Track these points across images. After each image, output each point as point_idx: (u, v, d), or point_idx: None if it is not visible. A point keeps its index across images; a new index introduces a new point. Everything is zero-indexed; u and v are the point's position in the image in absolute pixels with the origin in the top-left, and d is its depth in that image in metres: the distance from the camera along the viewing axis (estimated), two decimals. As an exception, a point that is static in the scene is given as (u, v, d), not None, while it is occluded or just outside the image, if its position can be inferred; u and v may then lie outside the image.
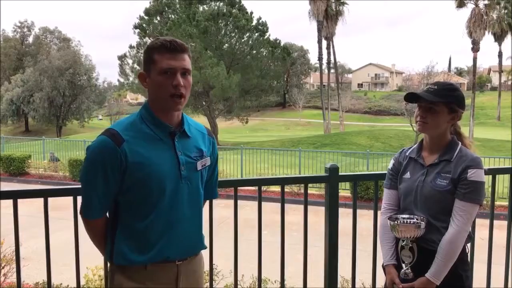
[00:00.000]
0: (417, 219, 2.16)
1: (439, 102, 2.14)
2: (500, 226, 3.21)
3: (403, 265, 2.18)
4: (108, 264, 1.95)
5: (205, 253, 2.71)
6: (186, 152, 1.85)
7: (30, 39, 60.50)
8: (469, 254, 2.29)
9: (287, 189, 11.61)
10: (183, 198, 1.84)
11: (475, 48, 37.14)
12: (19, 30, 60.02)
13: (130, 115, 1.87)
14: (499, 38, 47.00)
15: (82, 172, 1.80)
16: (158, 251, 1.81)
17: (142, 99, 48.46)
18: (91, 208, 1.81)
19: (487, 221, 3.00)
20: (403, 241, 2.17)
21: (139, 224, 1.79)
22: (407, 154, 2.33)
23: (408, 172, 2.27)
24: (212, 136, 2.04)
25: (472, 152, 2.17)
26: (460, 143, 2.21)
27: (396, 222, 2.17)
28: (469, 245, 2.25)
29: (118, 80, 39.60)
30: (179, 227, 1.85)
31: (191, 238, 1.92)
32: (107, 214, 1.87)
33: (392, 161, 2.39)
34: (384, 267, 2.30)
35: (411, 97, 2.21)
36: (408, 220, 2.17)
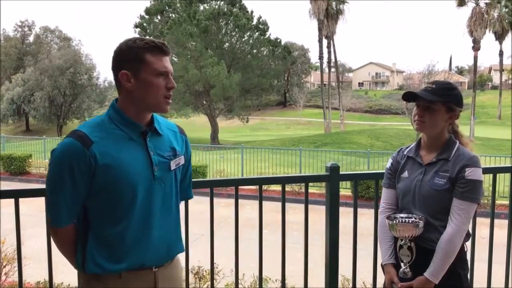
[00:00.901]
0: (415, 218, 2.16)
1: (437, 101, 2.14)
2: (501, 225, 3.22)
3: (402, 264, 2.19)
4: (78, 274, 1.84)
5: (206, 252, 2.73)
6: (159, 152, 1.78)
7: (31, 39, 60.46)
8: (468, 253, 2.29)
9: (287, 188, 11.58)
10: (157, 200, 1.77)
11: (476, 47, 37.11)
12: (19, 29, 60.01)
13: (96, 117, 1.79)
14: (500, 37, 46.87)
15: (48, 178, 1.70)
16: (132, 258, 1.74)
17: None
18: (60, 215, 1.72)
19: (487, 220, 3.01)
20: (401, 240, 2.18)
21: (111, 230, 1.71)
22: (405, 153, 2.33)
23: (406, 171, 2.27)
24: (185, 134, 1.98)
25: (469, 151, 2.18)
26: (457, 142, 2.21)
27: (394, 221, 2.18)
28: (467, 244, 2.25)
29: (119, 80, 39.55)
30: (154, 232, 1.77)
31: (167, 242, 1.84)
32: (75, 221, 1.77)
33: (390, 160, 2.40)
34: (383, 266, 2.31)
35: (409, 96, 2.22)
36: (407, 219, 2.17)
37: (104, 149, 1.66)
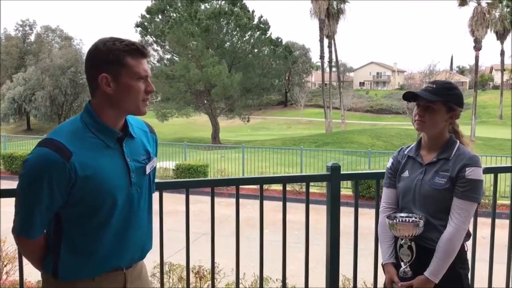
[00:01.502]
0: (415, 218, 2.16)
1: (437, 101, 2.14)
2: (502, 225, 3.21)
3: (402, 263, 2.19)
4: (44, 277, 1.81)
5: (207, 252, 2.73)
6: (135, 157, 1.76)
7: (32, 38, 60.53)
8: (468, 253, 2.29)
9: (288, 187, 11.61)
10: (133, 205, 1.75)
11: (477, 46, 37.07)
12: (21, 28, 60.10)
13: (70, 121, 1.72)
14: (501, 36, 46.82)
15: (22, 189, 1.63)
16: (109, 263, 1.73)
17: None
18: (33, 226, 1.65)
19: (488, 220, 3.00)
20: (401, 239, 2.18)
21: (88, 239, 1.68)
22: (405, 152, 2.33)
23: (407, 171, 2.27)
24: (154, 133, 1.95)
25: (470, 151, 2.18)
26: (458, 141, 2.21)
27: (394, 220, 2.18)
28: (467, 243, 2.25)
29: (120, 79, 39.56)
30: (130, 236, 1.76)
31: (141, 244, 1.84)
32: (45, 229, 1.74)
33: (391, 160, 2.40)
34: (383, 266, 2.31)
35: (409, 96, 2.22)
36: (407, 219, 2.18)
37: (83, 159, 1.60)
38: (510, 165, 9.78)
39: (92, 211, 1.66)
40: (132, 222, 1.76)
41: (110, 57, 1.63)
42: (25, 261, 2.50)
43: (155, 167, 1.92)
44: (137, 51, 1.67)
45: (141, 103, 1.70)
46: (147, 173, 1.81)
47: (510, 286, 3.07)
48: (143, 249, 1.87)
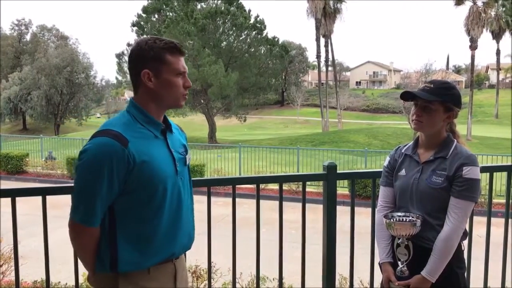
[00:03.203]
0: (412, 217, 2.16)
1: (435, 101, 2.14)
2: (498, 224, 3.22)
3: (399, 262, 2.19)
4: (97, 274, 1.82)
5: (203, 251, 2.73)
6: (176, 149, 1.88)
7: (28, 37, 60.35)
8: (465, 252, 2.30)
9: (285, 187, 11.62)
10: (179, 193, 1.86)
11: (473, 46, 37.17)
12: (16, 28, 59.91)
13: (119, 116, 1.82)
14: (497, 36, 46.99)
15: (83, 177, 1.69)
16: (164, 252, 1.82)
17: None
18: (95, 215, 1.71)
19: (484, 219, 3.02)
20: (398, 239, 2.18)
21: (143, 227, 1.76)
22: (402, 151, 2.33)
23: (404, 169, 2.27)
24: (184, 132, 2.08)
25: (467, 150, 2.18)
26: (455, 140, 2.22)
27: (391, 220, 2.18)
28: (464, 242, 2.26)
29: (116, 78, 39.56)
30: (181, 224, 1.86)
31: (189, 232, 1.94)
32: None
33: (387, 159, 2.40)
34: (380, 265, 2.31)
35: (407, 96, 2.22)
36: (404, 218, 2.18)
37: (138, 147, 1.71)
38: (505, 164, 9.83)
39: (147, 198, 1.74)
40: (180, 210, 1.86)
41: (151, 54, 1.76)
42: (21, 261, 2.50)
43: (189, 163, 2.04)
44: (176, 48, 1.80)
45: (181, 97, 1.84)
46: (187, 163, 1.95)
47: (506, 284, 3.09)
48: (190, 237, 1.96)
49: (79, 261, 2.48)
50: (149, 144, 1.76)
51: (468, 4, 37.11)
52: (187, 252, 2.65)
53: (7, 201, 2.39)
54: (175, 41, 1.82)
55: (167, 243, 1.82)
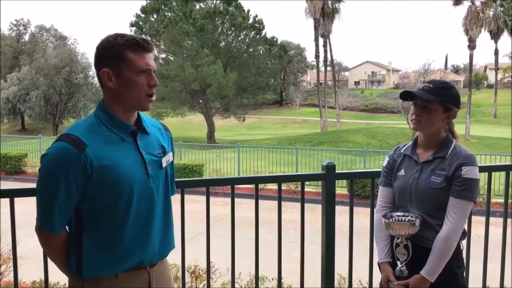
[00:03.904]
0: (411, 217, 2.16)
1: (434, 101, 2.14)
2: (496, 223, 3.23)
3: (398, 262, 2.19)
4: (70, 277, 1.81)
5: (203, 252, 2.73)
6: (150, 150, 1.78)
7: (26, 37, 60.25)
8: (464, 251, 2.30)
9: (284, 187, 11.61)
10: (153, 198, 1.77)
11: (471, 45, 37.20)
12: (15, 28, 59.81)
13: (85, 118, 1.77)
14: (495, 36, 47.04)
15: (41, 183, 1.66)
16: (132, 258, 1.74)
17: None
18: (53, 221, 1.67)
19: (483, 218, 3.02)
20: (398, 238, 2.18)
21: (109, 233, 1.70)
22: (401, 151, 2.34)
23: (403, 170, 2.28)
24: (169, 131, 1.98)
25: (466, 150, 2.18)
26: (454, 140, 2.22)
27: (391, 220, 2.18)
28: (463, 242, 2.26)
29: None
30: (151, 230, 1.78)
31: (162, 239, 1.85)
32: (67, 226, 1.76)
33: (387, 159, 2.40)
34: (379, 265, 2.31)
35: (406, 95, 2.22)
36: (403, 218, 2.18)
37: (98, 152, 1.64)
38: (504, 163, 9.84)
39: (111, 203, 1.68)
40: (152, 215, 1.78)
41: (111, 52, 1.67)
42: (19, 262, 2.49)
43: (173, 165, 1.94)
44: (138, 44, 1.69)
45: (144, 98, 1.72)
46: (163, 166, 1.83)
47: (505, 284, 3.09)
48: (166, 244, 1.88)
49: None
50: (112, 148, 1.68)
51: (466, 4, 37.17)
52: (187, 252, 2.67)
53: (5, 201, 2.39)
54: (139, 37, 1.71)
55: (135, 250, 1.74)
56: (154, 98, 1.77)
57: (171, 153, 1.90)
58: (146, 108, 1.75)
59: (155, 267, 1.84)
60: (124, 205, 1.69)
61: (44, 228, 1.71)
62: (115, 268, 1.72)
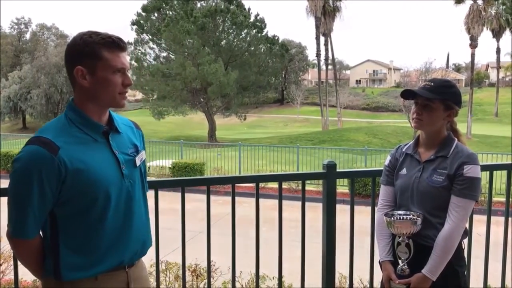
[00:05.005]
0: (413, 216, 2.16)
1: (435, 99, 2.14)
2: (498, 222, 3.22)
3: (400, 261, 2.19)
4: (45, 281, 1.77)
5: (204, 250, 2.72)
6: (122, 150, 1.76)
7: (27, 36, 60.35)
8: (465, 250, 2.30)
9: (285, 185, 11.61)
10: (128, 198, 1.75)
11: (473, 44, 37.15)
12: (16, 26, 59.89)
13: (55, 119, 1.72)
14: (497, 34, 46.97)
15: (13, 188, 1.62)
16: (111, 259, 1.72)
17: (139, 95, 48.30)
18: (26, 226, 1.62)
19: (484, 217, 3.01)
20: (399, 237, 2.18)
21: (87, 235, 1.67)
22: (403, 150, 2.33)
23: (405, 168, 2.27)
24: (140, 129, 1.96)
25: (468, 148, 2.18)
26: (456, 139, 2.22)
27: (392, 218, 2.17)
28: (465, 241, 2.26)
29: (116, 77, 39.41)
30: (129, 230, 1.76)
31: (141, 238, 1.84)
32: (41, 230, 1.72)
33: (388, 157, 2.40)
34: (380, 263, 2.31)
35: (407, 94, 2.21)
36: (404, 217, 2.18)
37: (71, 153, 1.60)
38: (505, 162, 9.82)
39: (87, 206, 1.65)
40: (130, 215, 1.76)
41: (86, 50, 1.63)
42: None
43: (145, 163, 1.93)
44: (114, 43, 1.66)
45: (118, 96, 1.70)
46: (137, 165, 1.82)
47: (506, 283, 3.08)
48: (144, 243, 1.86)
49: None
50: (85, 149, 1.65)
51: (468, 3, 37.14)
52: (188, 250, 2.67)
53: (5, 200, 2.38)
54: (114, 35, 1.68)
55: (114, 251, 1.72)
56: (127, 96, 1.75)
57: (143, 152, 1.89)
58: (121, 105, 1.72)
59: (133, 267, 1.83)
60: (100, 207, 1.67)
61: (17, 235, 1.66)
62: (94, 269, 1.70)
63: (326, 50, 45.48)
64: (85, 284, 1.70)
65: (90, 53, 1.63)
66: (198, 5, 35.99)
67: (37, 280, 4.87)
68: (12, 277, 2.63)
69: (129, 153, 1.79)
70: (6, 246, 4.50)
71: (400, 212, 2.21)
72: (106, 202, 1.67)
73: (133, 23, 36.92)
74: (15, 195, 1.63)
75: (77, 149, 1.63)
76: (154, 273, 2.74)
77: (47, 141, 1.58)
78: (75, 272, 1.67)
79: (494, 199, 3.28)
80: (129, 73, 1.78)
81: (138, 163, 1.82)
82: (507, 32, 46.63)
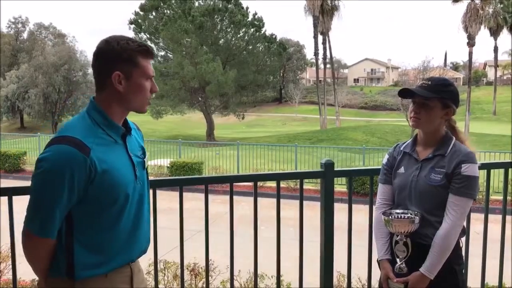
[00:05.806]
0: (411, 214, 2.16)
1: (433, 98, 2.14)
2: (495, 220, 3.23)
3: (398, 259, 2.20)
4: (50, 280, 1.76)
5: (202, 249, 2.73)
6: (134, 152, 1.82)
7: (25, 35, 60.15)
8: (463, 248, 2.30)
9: (283, 184, 11.61)
10: (140, 199, 1.81)
11: (471, 42, 37.20)
12: (13, 26, 59.68)
13: (78, 118, 1.74)
14: (494, 32, 47.04)
15: (41, 187, 1.61)
16: (123, 257, 1.78)
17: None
18: (53, 226, 1.64)
19: (482, 216, 3.02)
20: (397, 236, 2.18)
21: (102, 234, 1.70)
22: (401, 149, 2.33)
23: (403, 167, 2.27)
24: (140, 130, 2.01)
25: (466, 147, 2.18)
26: (454, 138, 2.22)
27: (390, 217, 2.18)
28: (463, 239, 2.26)
29: (114, 76, 39.35)
30: (139, 229, 1.82)
31: (147, 236, 1.92)
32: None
33: (386, 156, 2.40)
34: (378, 262, 2.31)
35: (405, 93, 2.22)
36: (402, 215, 2.18)
37: (99, 155, 1.64)
38: (503, 161, 9.84)
39: (107, 206, 1.69)
40: (140, 215, 1.82)
41: (124, 55, 1.69)
42: (18, 260, 2.49)
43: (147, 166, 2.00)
44: (148, 52, 1.75)
45: (146, 102, 1.78)
46: (145, 167, 1.88)
47: (503, 281, 3.09)
48: (148, 241, 1.94)
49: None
50: (109, 150, 1.69)
51: (465, 1, 37.16)
52: (187, 249, 2.67)
53: (4, 199, 2.39)
54: (147, 44, 1.77)
55: (126, 249, 1.78)
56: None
57: (148, 154, 1.96)
58: (144, 111, 1.81)
59: (135, 262, 1.89)
60: (118, 208, 1.71)
61: (42, 234, 1.65)
62: (107, 267, 1.74)
63: (324, 48, 45.52)
64: (95, 282, 1.72)
65: (128, 59, 1.69)
66: (196, 4, 35.92)
67: (36, 279, 4.88)
68: (10, 277, 2.63)
69: (139, 155, 1.85)
70: (4, 246, 4.51)
71: (398, 210, 2.21)
72: (124, 203, 1.72)
73: (131, 22, 36.89)
74: (42, 195, 1.62)
75: (103, 150, 1.67)
76: (153, 272, 2.74)
77: (78, 141, 1.60)
78: (88, 271, 1.70)
79: (492, 197, 3.29)
80: None
81: (146, 164, 1.89)
82: (505, 30, 46.72)
